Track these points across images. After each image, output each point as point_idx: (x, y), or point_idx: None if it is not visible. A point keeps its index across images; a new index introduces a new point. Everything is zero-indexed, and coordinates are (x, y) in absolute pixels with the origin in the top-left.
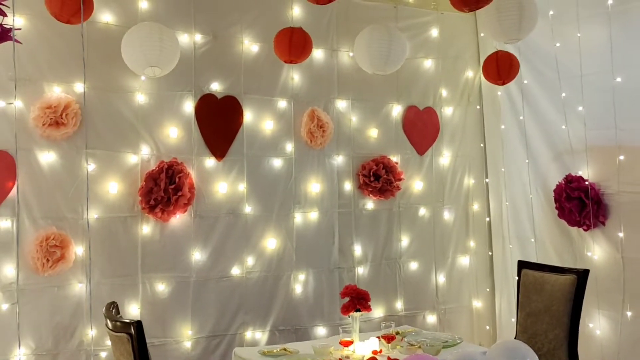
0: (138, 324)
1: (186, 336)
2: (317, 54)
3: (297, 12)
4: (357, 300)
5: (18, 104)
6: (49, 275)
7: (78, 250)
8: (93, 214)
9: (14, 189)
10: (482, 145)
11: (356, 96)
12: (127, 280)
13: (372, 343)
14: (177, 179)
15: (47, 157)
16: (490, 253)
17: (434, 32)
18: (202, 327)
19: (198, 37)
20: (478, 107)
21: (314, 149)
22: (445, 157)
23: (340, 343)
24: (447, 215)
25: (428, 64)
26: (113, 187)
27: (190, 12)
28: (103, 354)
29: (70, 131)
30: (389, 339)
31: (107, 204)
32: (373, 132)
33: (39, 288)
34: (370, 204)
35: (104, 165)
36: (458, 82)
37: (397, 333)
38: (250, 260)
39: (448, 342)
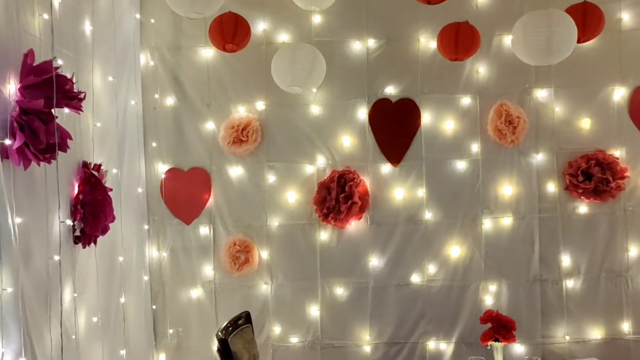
0: (223, 342)
1: (365, 340)
2: (508, 40)
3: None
4: (498, 328)
5: (210, 125)
6: (239, 276)
7: (263, 254)
8: (275, 222)
9: (210, 200)
10: None
11: (560, 82)
12: (308, 284)
13: None
14: (347, 188)
15: (235, 172)
16: None
17: None
18: (381, 333)
19: (371, 42)
20: None
21: (505, 147)
22: None
23: None
24: None
25: None
26: (292, 197)
27: (362, 19)
28: (286, 349)
29: (252, 147)
30: None
31: (287, 212)
32: (584, 123)
33: (232, 287)
34: (582, 207)
35: (284, 176)
36: None
37: None
38: (431, 268)
39: None
